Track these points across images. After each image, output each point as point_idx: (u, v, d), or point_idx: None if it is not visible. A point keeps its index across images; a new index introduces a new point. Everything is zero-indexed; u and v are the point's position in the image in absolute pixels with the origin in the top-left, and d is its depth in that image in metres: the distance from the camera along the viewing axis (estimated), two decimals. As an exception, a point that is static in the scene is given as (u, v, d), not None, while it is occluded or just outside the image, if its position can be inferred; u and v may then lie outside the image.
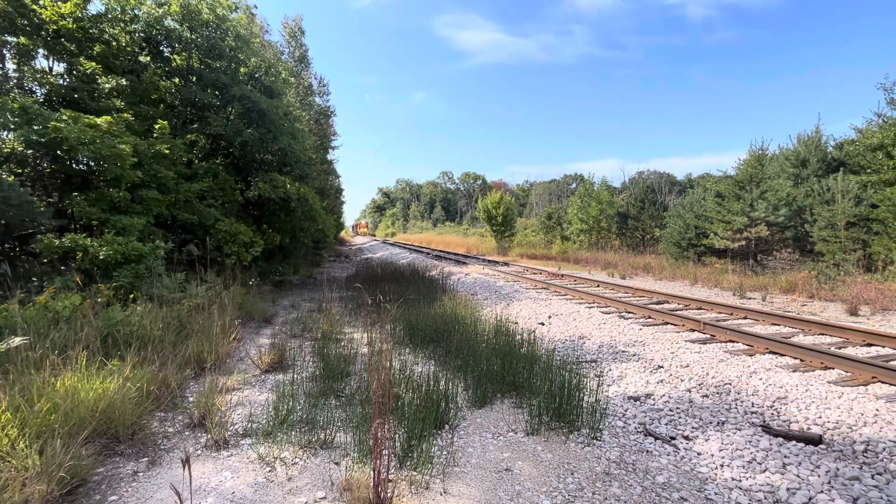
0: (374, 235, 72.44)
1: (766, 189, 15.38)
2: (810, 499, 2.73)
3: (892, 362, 5.02)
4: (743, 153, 20.41)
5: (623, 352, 5.76)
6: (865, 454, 3.18)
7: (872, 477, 2.90)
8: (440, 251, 26.97)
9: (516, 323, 7.42)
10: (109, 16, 8.29)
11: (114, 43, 8.41)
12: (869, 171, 13.73)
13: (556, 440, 3.53)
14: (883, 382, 4.41)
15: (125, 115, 7.22)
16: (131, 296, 5.48)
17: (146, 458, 3.08)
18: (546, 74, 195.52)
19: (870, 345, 5.84)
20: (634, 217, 24.72)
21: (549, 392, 3.90)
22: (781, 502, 2.74)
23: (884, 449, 3.19)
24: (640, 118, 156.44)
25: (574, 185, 56.70)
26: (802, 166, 15.84)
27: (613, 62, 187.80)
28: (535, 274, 14.86)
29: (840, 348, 5.71)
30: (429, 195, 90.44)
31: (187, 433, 3.48)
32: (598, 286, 11.85)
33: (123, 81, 8.38)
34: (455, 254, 24.79)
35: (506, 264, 18.22)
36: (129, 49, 8.72)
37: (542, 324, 7.60)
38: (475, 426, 3.77)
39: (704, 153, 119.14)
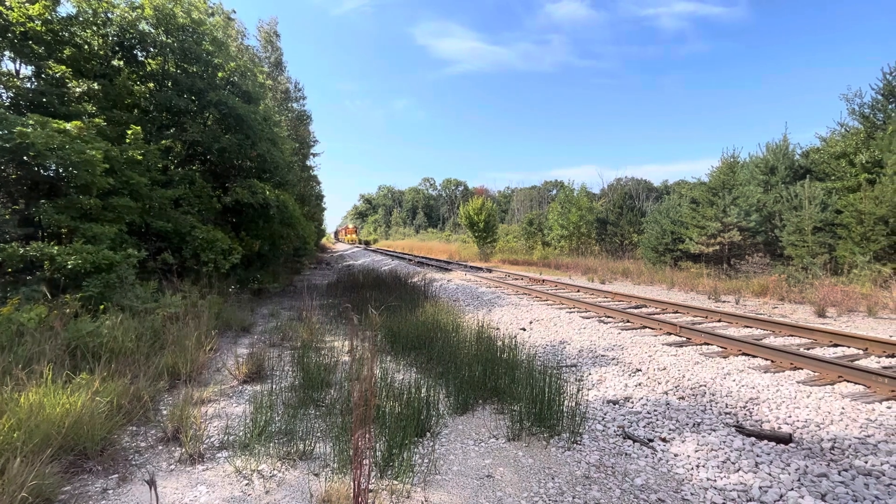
0: (366, 243, 58.74)
1: (737, 195, 15.89)
2: (781, 496, 2.81)
3: (856, 362, 5.22)
4: (716, 160, 21.11)
5: (602, 356, 5.85)
6: (833, 451, 3.29)
7: (839, 473, 3.00)
8: (423, 257, 26.93)
9: (498, 329, 7.45)
10: (81, 18, 8.08)
11: (85, 46, 8.19)
12: (833, 178, 14.34)
13: (536, 445, 3.55)
14: (848, 381, 4.58)
15: (97, 120, 7.03)
16: (101, 306, 5.30)
17: (116, 475, 2.97)
18: (525, 82, 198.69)
19: (836, 345, 6.07)
20: (613, 223, 25.19)
21: (530, 397, 3.93)
22: (754, 500, 2.81)
23: (849, 446, 3.31)
24: (618, 126, 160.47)
25: (554, 192, 57.51)
26: (771, 173, 16.43)
27: (591, 71, 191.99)
28: (516, 280, 14.96)
29: (808, 349, 5.91)
30: (411, 201, 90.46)
31: (160, 447, 3.37)
32: (579, 291, 12.01)
33: (95, 86, 8.17)
34: (437, 260, 24.78)
35: (488, 270, 18.31)
36: (101, 53, 8.51)
37: (524, 329, 7.66)
38: (457, 433, 3.76)
39: (680, 160, 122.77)
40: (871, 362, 5.34)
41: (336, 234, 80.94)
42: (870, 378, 4.43)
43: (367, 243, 58.43)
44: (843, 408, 3.87)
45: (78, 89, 7.97)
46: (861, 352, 5.72)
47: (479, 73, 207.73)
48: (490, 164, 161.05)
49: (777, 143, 17.05)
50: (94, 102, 8.10)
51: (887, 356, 5.50)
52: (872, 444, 3.30)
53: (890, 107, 13.67)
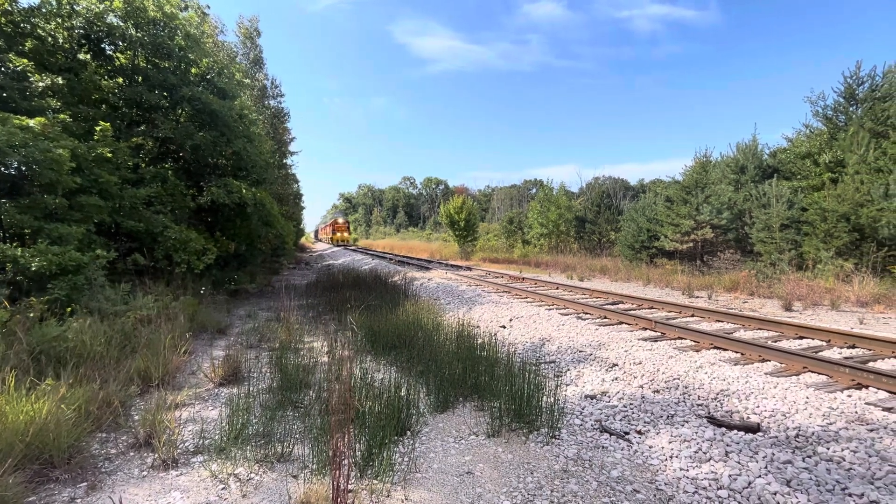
0: (349, 243, 46.28)
1: (709, 194, 16.38)
2: (749, 483, 2.92)
3: (820, 353, 5.46)
4: (689, 160, 21.77)
5: (581, 352, 5.94)
6: (797, 439, 3.43)
7: (803, 460, 3.13)
8: (403, 256, 26.84)
9: (478, 327, 7.50)
10: (44, 10, 7.76)
11: (49, 39, 7.87)
12: (799, 177, 14.92)
13: (516, 441, 3.59)
14: (812, 372, 4.78)
15: (62, 115, 6.77)
16: (68, 309, 5.11)
17: (85, 483, 2.88)
18: (505, 82, 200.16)
19: (801, 337, 6.32)
20: (591, 221, 25.64)
21: (509, 394, 3.97)
22: (724, 488, 2.91)
23: (812, 433, 3.46)
24: (596, 125, 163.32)
25: (534, 191, 58.06)
26: (741, 172, 16.98)
27: (568, 71, 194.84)
28: (496, 278, 15.06)
29: (776, 342, 6.14)
30: (391, 200, 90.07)
31: (132, 454, 3.28)
32: (558, 288, 12.17)
33: (59, 80, 7.84)
34: (418, 259, 24.74)
35: (468, 269, 18.37)
36: (66, 46, 8.19)
37: (504, 327, 7.72)
38: (437, 431, 3.77)
39: (655, 159, 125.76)
40: (834, 353, 5.59)
41: (316, 232, 76.40)
42: (832, 368, 4.64)
43: (332, 240, 48.00)
44: (807, 397, 4.04)
45: (41, 84, 7.64)
46: (825, 343, 5.98)
47: (459, 72, 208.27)
48: (470, 163, 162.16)
49: (747, 143, 17.64)
50: (58, 97, 7.78)
51: (848, 347, 5.76)
52: (834, 432, 3.45)
53: (850, 109, 14.30)
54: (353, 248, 41.42)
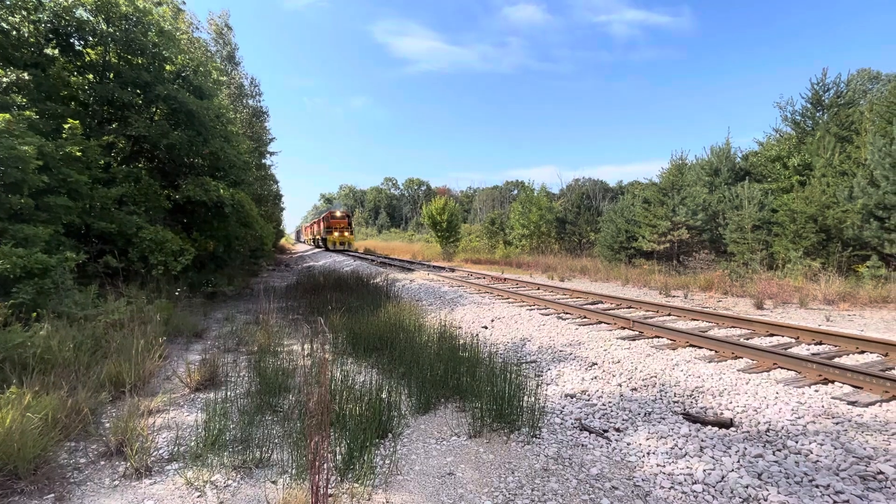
0: (324, 241, 34.79)
1: (685, 196, 16.81)
2: (723, 477, 3.01)
3: (789, 350, 5.65)
4: (666, 162, 22.32)
5: (561, 351, 6.02)
6: (768, 433, 3.55)
7: (773, 453, 3.24)
8: (385, 257, 26.69)
9: (460, 328, 7.51)
10: (8, 2, 7.45)
11: (13, 33, 7.56)
12: (769, 179, 15.45)
13: (497, 441, 3.61)
14: (782, 368, 4.95)
15: (28, 112, 6.51)
16: (34, 314, 4.91)
17: (52, 495, 2.77)
18: (485, 83, 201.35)
19: (772, 335, 6.53)
20: (572, 222, 26.00)
21: (491, 394, 3.98)
22: (699, 483, 2.99)
23: (782, 428, 3.58)
24: (575, 128, 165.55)
25: (516, 192, 58.47)
26: (715, 175, 17.49)
27: (548, 74, 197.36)
28: (479, 279, 15.12)
29: (748, 339, 6.33)
30: (373, 201, 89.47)
31: (103, 463, 3.17)
32: (539, 289, 12.29)
33: (25, 75, 7.55)
34: (400, 260, 24.63)
35: (451, 269, 18.38)
36: (32, 40, 7.88)
37: (486, 327, 7.75)
38: (419, 432, 3.76)
39: (633, 161, 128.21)
40: (802, 350, 5.79)
41: (298, 233, 73.42)
42: (800, 364, 4.81)
43: (325, 243, 35.02)
44: (777, 392, 4.18)
45: (5, 79, 7.34)
46: (793, 340, 6.19)
47: (439, 72, 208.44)
48: (452, 163, 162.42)
49: (720, 146, 18.19)
50: (24, 94, 7.48)
51: (816, 343, 5.98)
52: (802, 426, 3.58)
53: (818, 114, 14.88)
54: (331, 248, 39.01)
